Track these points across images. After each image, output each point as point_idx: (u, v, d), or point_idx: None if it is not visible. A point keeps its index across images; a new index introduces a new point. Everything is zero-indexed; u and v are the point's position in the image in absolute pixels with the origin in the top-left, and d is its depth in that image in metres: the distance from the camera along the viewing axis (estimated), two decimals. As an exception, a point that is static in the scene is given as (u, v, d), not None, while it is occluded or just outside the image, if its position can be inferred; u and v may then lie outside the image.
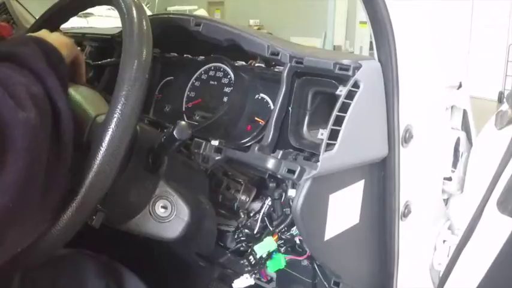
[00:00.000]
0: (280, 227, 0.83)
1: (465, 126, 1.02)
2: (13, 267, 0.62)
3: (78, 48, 0.84)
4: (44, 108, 0.56)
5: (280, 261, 0.83)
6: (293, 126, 0.84)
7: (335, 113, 0.73)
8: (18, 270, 0.77)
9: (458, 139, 1.00)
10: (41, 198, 0.55)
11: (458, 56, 1.01)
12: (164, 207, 0.74)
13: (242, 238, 0.91)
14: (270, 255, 0.82)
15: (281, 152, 0.80)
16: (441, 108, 0.97)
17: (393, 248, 0.91)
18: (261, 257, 0.81)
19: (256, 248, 0.81)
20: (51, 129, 0.56)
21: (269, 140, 0.83)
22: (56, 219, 0.59)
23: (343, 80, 0.78)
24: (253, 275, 0.86)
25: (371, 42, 0.84)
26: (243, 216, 0.89)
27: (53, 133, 0.57)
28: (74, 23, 1.08)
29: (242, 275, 0.87)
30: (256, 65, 0.95)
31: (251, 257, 0.82)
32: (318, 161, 0.72)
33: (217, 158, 0.83)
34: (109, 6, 0.80)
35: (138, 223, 0.74)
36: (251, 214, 0.89)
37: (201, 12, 8.05)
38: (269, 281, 1.03)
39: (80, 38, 1.23)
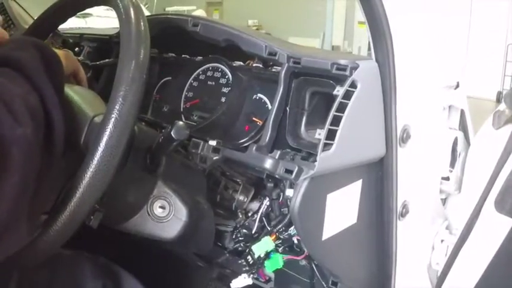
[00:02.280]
0: (278, 227, 0.83)
1: (463, 126, 1.03)
2: (11, 267, 0.62)
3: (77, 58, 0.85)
4: (39, 120, 0.57)
5: (278, 261, 0.83)
6: (291, 126, 0.85)
7: (332, 113, 0.74)
8: (15, 270, 0.77)
9: (456, 139, 1.01)
10: (31, 206, 0.56)
11: (455, 56, 1.02)
12: (162, 207, 0.74)
13: (240, 238, 0.91)
14: (268, 255, 0.82)
15: (279, 152, 0.80)
16: (439, 108, 0.97)
17: (391, 247, 0.91)
18: (259, 257, 0.82)
19: (254, 247, 0.81)
20: (43, 140, 0.57)
21: (267, 140, 0.83)
22: (54, 219, 0.59)
23: (340, 80, 0.78)
24: (251, 275, 0.86)
25: (369, 42, 0.84)
26: (241, 216, 0.89)
27: (45, 144, 0.57)
28: (73, 23, 1.08)
29: (240, 274, 0.87)
30: (254, 65, 0.95)
31: (249, 257, 0.82)
32: (316, 161, 0.72)
33: (215, 158, 0.83)
34: (107, 7, 0.80)
35: (136, 223, 0.74)
36: (249, 214, 0.89)
37: (200, 12, 8.04)
38: (267, 281, 1.03)
39: (78, 39, 1.23)
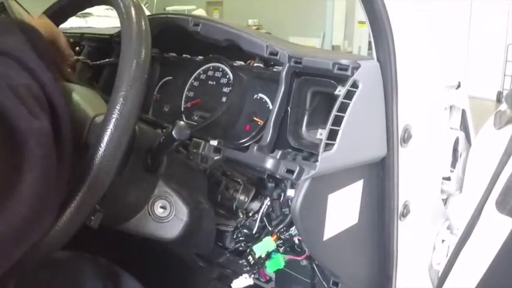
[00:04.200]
0: (279, 227, 0.83)
1: (464, 126, 1.02)
2: (10, 268, 0.61)
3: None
4: (46, 110, 0.55)
5: (279, 261, 0.83)
6: (292, 126, 0.84)
7: (334, 113, 0.73)
8: (15, 271, 0.77)
9: (457, 139, 1.01)
10: (51, 201, 0.54)
11: (457, 56, 1.01)
12: (163, 207, 0.74)
13: (241, 238, 0.91)
14: (269, 255, 0.82)
15: (280, 152, 0.80)
16: (440, 108, 0.97)
17: (392, 247, 0.91)
18: (260, 257, 0.81)
19: (255, 248, 0.81)
20: (53, 131, 0.55)
21: (268, 140, 0.83)
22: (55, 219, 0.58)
23: (342, 80, 0.78)
24: (252, 275, 0.86)
25: (370, 42, 0.84)
26: (241, 216, 0.89)
27: (54, 134, 0.55)
28: (73, 23, 1.08)
29: (241, 275, 0.87)
30: (255, 65, 0.95)
31: (250, 257, 0.82)
32: (317, 161, 0.72)
33: (216, 158, 0.83)
34: (107, 6, 0.80)
35: (137, 223, 0.74)
36: (250, 214, 0.89)
37: (200, 12, 8.05)
38: (268, 281, 1.03)
39: (78, 38, 1.22)
